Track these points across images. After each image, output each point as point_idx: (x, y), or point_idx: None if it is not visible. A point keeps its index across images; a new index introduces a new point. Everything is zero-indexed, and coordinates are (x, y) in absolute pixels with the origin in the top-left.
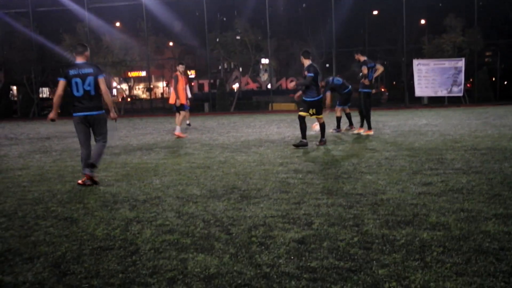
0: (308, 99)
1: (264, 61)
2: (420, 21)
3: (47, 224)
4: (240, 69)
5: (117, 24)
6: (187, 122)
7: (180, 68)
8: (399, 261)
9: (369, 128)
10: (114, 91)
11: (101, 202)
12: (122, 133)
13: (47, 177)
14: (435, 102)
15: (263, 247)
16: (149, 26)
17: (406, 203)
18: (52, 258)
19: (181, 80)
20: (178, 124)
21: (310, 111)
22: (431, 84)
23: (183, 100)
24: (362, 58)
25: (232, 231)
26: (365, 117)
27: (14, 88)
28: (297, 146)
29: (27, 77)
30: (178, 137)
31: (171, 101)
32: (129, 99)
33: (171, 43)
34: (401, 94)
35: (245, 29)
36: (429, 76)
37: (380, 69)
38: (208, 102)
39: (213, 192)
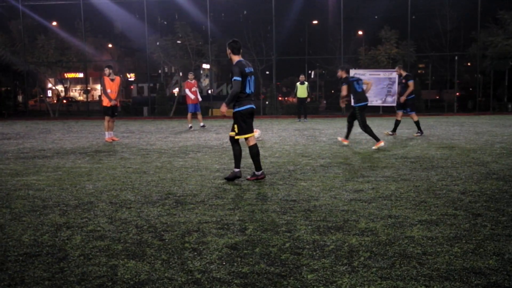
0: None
1: (205, 66)
2: (357, 32)
3: None
4: (181, 73)
5: (54, 23)
6: (201, 124)
7: (106, 71)
8: (327, 266)
9: (377, 140)
10: (49, 92)
11: (29, 207)
12: (55, 136)
13: None
14: (370, 111)
15: (195, 253)
16: (87, 27)
17: (338, 209)
18: None
19: (109, 83)
20: (105, 129)
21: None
22: (367, 94)
23: (109, 103)
24: (344, 75)
25: (165, 237)
26: (368, 133)
27: None
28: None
29: None
30: (112, 141)
31: (104, 103)
32: (64, 101)
33: (110, 45)
34: (338, 103)
35: (186, 34)
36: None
37: (369, 83)
38: (147, 106)
39: (147, 197)
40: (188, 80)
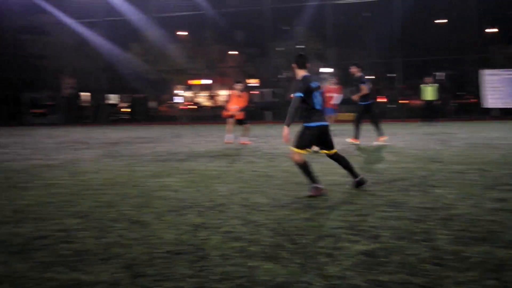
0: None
1: (325, 70)
2: (486, 30)
3: (120, 227)
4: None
5: (181, 33)
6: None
7: (237, 86)
8: (474, 279)
9: (356, 137)
10: (178, 99)
11: (169, 207)
12: (186, 140)
13: (117, 181)
14: (507, 114)
15: (331, 258)
16: (211, 36)
17: (480, 219)
18: (125, 260)
19: (235, 99)
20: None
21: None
22: (501, 95)
23: (229, 113)
24: (359, 73)
25: (298, 240)
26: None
27: (85, 94)
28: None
29: (97, 85)
30: (244, 144)
31: (225, 115)
32: (193, 107)
33: (233, 52)
34: (468, 105)
35: (306, 38)
36: (499, 87)
37: (363, 89)
38: (270, 110)
39: (277, 201)
40: (329, 84)
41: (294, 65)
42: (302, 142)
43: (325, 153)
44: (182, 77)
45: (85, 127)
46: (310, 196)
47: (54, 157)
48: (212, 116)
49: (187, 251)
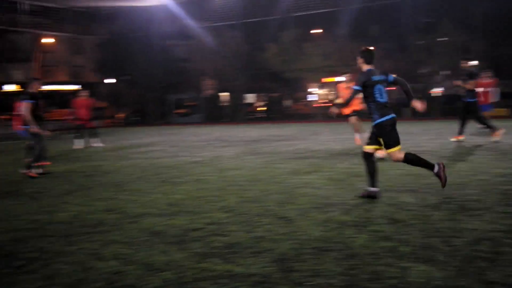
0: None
1: (472, 63)
2: None
3: (266, 222)
4: (445, 72)
5: (317, 30)
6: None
7: (347, 77)
8: None
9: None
10: (315, 97)
11: (312, 204)
12: (323, 138)
13: (260, 178)
14: None
15: (491, 263)
16: (346, 32)
17: None
18: (274, 254)
19: (343, 91)
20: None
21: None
22: None
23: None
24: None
25: (454, 243)
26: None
27: (224, 94)
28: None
29: (235, 85)
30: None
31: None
32: (327, 104)
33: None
34: None
35: (450, 30)
36: None
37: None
38: (409, 107)
39: (426, 200)
40: (482, 79)
41: (361, 60)
42: (391, 140)
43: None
44: (316, 75)
45: (224, 125)
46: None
47: (199, 154)
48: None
49: (335, 249)
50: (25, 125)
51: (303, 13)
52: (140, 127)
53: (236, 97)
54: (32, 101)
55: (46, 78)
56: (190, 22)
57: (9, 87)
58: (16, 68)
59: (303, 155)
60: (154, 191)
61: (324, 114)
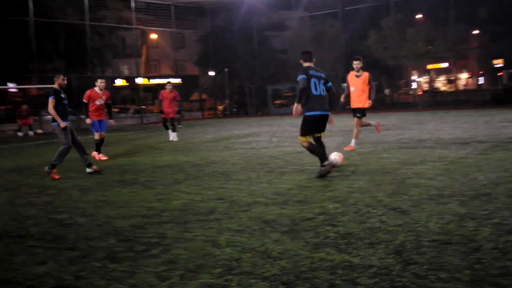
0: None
1: None
2: None
3: (379, 213)
4: None
5: (420, 15)
6: None
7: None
8: None
9: None
10: (415, 84)
11: (426, 195)
12: (429, 127)
13: (367, 168)
14: None
15: None
16: (452, 15)
17: None
18: (392, 246)
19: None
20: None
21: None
22: None
23: None
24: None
25: None
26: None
27: None
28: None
29: (335, 74)
30: None
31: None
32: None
33: (475, 31)
34: None
35: None
36: None
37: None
38: None
39: None
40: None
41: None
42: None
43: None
44: (420, 62)
45: None
46: None
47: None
48: (453, 101)
49: (457, 242)
50: (53, 121)
51: None
52: (240, 118)
53: (334, 87)
54: (53, 96)
55: (151, 72)
56: (288, 13)
57: (118, 82)
58: (124, 63)
59: (409, 144)
60: (260, 180)
61: (427, 102)
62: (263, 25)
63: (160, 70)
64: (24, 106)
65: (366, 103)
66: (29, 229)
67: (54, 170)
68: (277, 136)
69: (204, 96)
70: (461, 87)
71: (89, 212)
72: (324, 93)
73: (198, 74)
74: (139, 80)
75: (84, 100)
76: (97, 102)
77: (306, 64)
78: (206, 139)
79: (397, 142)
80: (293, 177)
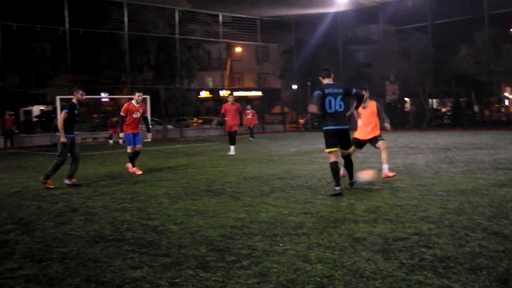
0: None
1: None
2: None
3: (478, 237)
4: None
5: None
6: None
7: None
8: None
9: None
10: (507, 101)
11: None
12: None
13: (461, 188)
14: None
15: None
16: None
17: None
18: (495, 273)
19: None
20: None
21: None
22: None
23: None
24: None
25: None
26: None
27: (407, 99)
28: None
29: (421, 89)
30: None
31: None
32: None
33: None
34: None
35: None
36: None
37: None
38: None
39: None
40: None
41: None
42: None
43: None
44: None
45: (407, 132)
46: None
47: (390, 161)
48: None
49: None
50: (56, 131)
51: (500, 11)
52: (321, 132)
53: (423, 102)
54: (67, 111)
55: (234, 84)
56: (374, 26)
57: (202, 93)
58: (209, 75)
59: (507, 165)
60: (348, 196)
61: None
62: (348, 39)
63: (244, 83)
64: (115, 118)
65: (379, 131)
66: (124, 233)
67: (49, 180)
68: (362, 152)
69: (286, 109)
70: None
71: (180, 220)
72: (341, 108)
73: (280, 87)
74: (223, 92)
75: (122, 114)
76: (134, 116)
77: (325, 81)
78: (289, 152)
79: (492, 162)
80: (383, 194)
